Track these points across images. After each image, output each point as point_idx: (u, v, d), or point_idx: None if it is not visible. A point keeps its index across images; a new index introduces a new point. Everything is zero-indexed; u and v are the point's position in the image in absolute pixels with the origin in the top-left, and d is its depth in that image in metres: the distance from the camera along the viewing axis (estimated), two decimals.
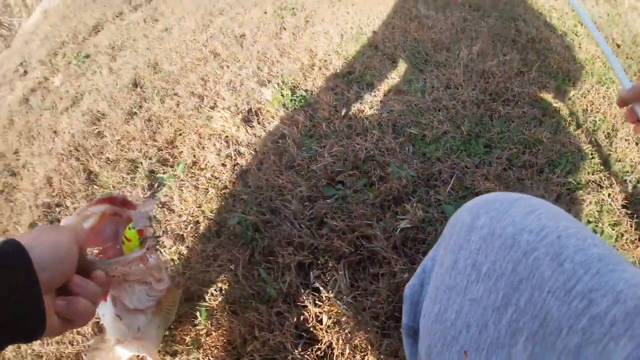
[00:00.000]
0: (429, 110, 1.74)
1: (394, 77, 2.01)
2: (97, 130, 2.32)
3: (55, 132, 2.62)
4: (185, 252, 1.50)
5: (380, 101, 1.86)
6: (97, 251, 0.86)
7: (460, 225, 0.49)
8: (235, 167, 1.70)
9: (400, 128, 1.68)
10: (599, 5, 2.58)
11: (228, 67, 2.38)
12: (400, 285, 1.22)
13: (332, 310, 1.22)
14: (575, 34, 2.27)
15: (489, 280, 0.41)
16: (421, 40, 2.22)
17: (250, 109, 1.97)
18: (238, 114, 1.92)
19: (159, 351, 1.25)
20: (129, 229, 0.76)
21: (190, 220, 1.59)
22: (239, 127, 1.85)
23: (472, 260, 0.44)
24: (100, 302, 0.79)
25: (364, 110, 1.83)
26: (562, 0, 2.59)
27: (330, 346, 1.17)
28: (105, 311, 0.95)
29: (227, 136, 1.86)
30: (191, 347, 1.28)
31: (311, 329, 1.22)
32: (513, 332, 0.37)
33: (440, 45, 2.19)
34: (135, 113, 2.29)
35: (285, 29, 2.71)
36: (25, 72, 4.31)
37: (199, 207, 1.61)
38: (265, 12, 3.01)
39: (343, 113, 1.81)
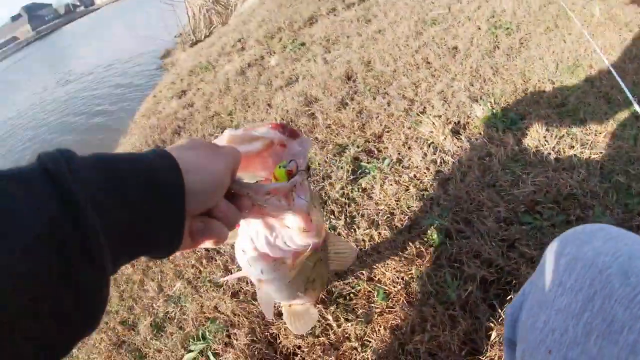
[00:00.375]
0: (638, 160, 1.67)
1: (608, 118, 1.95)
2: (309, 112, 2.62)
3: (269, 104, 3.01)
4: (376, 237, 1.67)
5: (591, 140, 1.83)
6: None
7: (552, 252, 0.60)
8: (438, 174, 1.82)
9: (607, 173, 1.65)
10: None
11: (439, 77, 2.51)
12: None
13: (502, 331, 1.28)
14: None
15: (571, 293, 0.52)
16: None
17: (459, 121, 2.07)
18: (448, 123, 2.04)
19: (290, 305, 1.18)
20: (279, 167, 0.64)
21: (387, 211, 1.75)
22: (446, 137, 1.97)
23: (558, 280, 0.55)
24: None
25: (573, 147, 1.82)
26: None
27: None
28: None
29: (433, 142, 1.99)
30: (362, 319, 1.43)
31: (478, 340, 1.29)
32: (587, 332, 0.48)
33: None
34: (347, 104, 2.53)
35: (498, 47, 2.75)
36: (243, 48, 4.91)
37: (397, 200, 1.76)
38: (479, 28, 3.07)
39: (552, 145, 1.82)
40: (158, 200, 0.40)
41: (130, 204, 0.37)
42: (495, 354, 1.25)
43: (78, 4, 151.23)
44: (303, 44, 4.01)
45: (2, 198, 0.29)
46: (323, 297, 1.55)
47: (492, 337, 1.29)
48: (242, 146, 0.60)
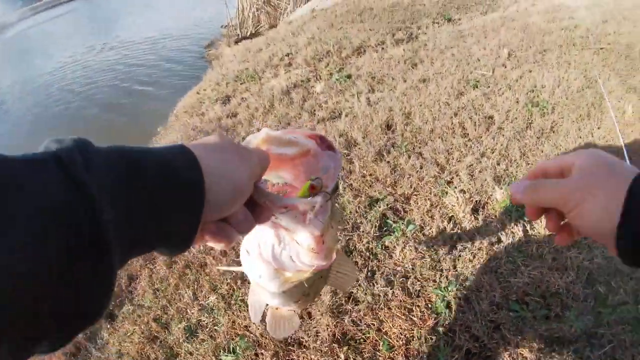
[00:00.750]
0: (621, 274, 1.94)
1: None
2: (348, 155, 2.91)
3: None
4: (390, 295, 1.96)
5: (588, 245, 2.10)
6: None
7: None
8: (452, 249, 2.11)
9: (592, 280, 1.93)
10: None
11: (472, 148, 2.79)
12: None
13: None
14: None
15: None
16: None
17: (480, 200, 2.35)
18: (470, 202, 2.32)
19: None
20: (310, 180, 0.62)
21: (403, 273, 2.05)
22: (465, 214, 2.25)
23: None
24: None
25: (570, 249, 2.10)
26: None
27: None
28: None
29: (453, 216, 2.27)
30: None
31: None
32: None
33: None
34: (384, 156, 2.83)
35: (531, 126, 3.02)
36: (290, 64, 5.21)
37: (413, 266, 2.06)
38: (517, 101, 3.33)
39: (553, 244, 2.10)
40: (175, 202, 0.40)
41: (147, 201, 0.38)
42: None
43: None
44: (349, 77, 4.29)
45: (15, 180, 0.30)
46: (338, 336, 1.85)
47: None
48: (276, 148, 0.60)
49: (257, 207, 0.54)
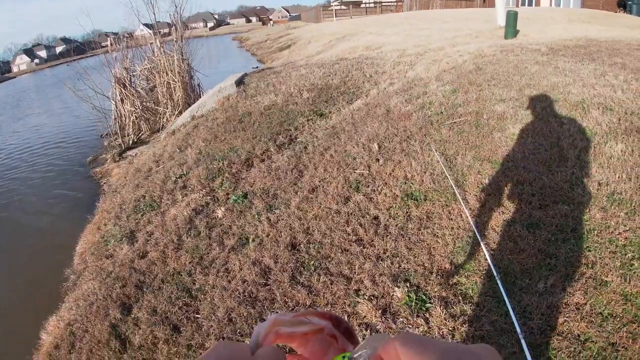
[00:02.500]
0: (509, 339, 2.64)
1: (488, 298, 2.96)
2: (266, 284, 3.43)
3: (227, 270, 3.78)
4: None
5: (476, 316, 2.81)
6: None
7: None
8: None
9: None
10: None
11: (368, 254, 3.45)
12: None
13: None
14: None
15: None
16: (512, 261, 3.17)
17: (386, 302, 2.98)
18: (378, 309, 2.94)
19: None
20: (343, 357, 0.53)
21: None
22: (377, 319, 2.86)
23: None
24: None
25: (464, 325, 2.78)
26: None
27: None
28: None
29: (368, 323, 2.87)
30: None
31: None
32: None
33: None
34: (297, 278, 3.39)
35: (410, 219, 3.77)
36: (185, 187, 5.69)
37: None
38: (395, 197, 4.10)
39: (451, 325, 2.77)
40: None
41: None
42: None
43: None
44: (246, 196, 4.87)
45: None
46: None
47: None
48: (285, 328, 0.54)
49: None
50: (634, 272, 2.85)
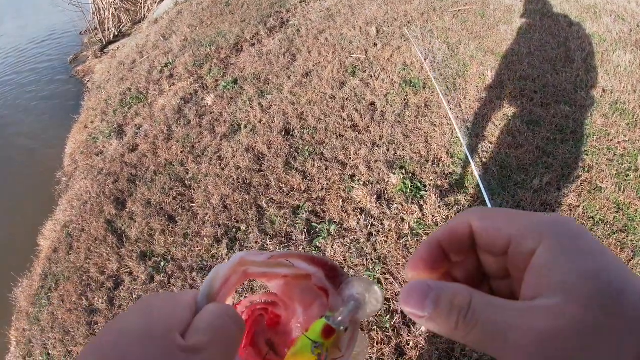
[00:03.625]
0: None
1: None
2: (260, 170, 3.45)
3: (219, 157, 3.78)
4: None
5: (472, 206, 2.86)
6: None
7: None
8: (369, 236, 2.76)
9: None
10: None
11: (363, 140, 3.44)
12: None
13: None
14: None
15: None
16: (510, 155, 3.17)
17: (380, 188, 3.02)
18: (373, 194, 2.97)
19: None
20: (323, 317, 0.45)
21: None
22: (372, 204, 2.90)
23: None
24: None
25: (459, 212, 2.84)
26: None
27: None
28: None
29: (363, 208, 2.92)
30: None
31: None
32: None
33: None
34: (291, 164, 3.40)
35: (408, 107, 3.72)
36: (172, 75, 5.55)
37: (344, 259, 2.68)
38: (393, 83, 4.02)
39: (445, 213, 2.82)
40: None
41: None
42: (414, 354, 2.22)
43: None
44: (236, 82, 4.76)
45: None
46: None
47: (410, 345, 2.25)
48: (259, 268, 0.47)
49: None
50: (629, 183, 2.85)
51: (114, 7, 9.20)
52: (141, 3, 9.60)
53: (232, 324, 0.39)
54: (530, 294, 0.32)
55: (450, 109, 3.60)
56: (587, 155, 3.09)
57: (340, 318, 0.44)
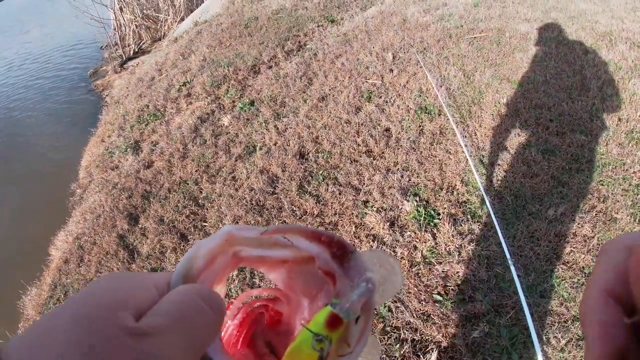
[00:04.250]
0: (515, 255, 2.70)
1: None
2: (274, 193, 3.48)
3: (234, 178, 3.82)
4: None
5: (484, 237, 2.86)
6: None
7: None
8: None
9: (491, 265, 2.68)
10: None
11: (378, 166, 3.46)
12: None
13: None
14: None
15: None
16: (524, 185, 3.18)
17: (394, 215, 3.03)
18: (386, 221, 2.98)
19: None
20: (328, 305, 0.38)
21: None
22: (385, 231, 2.91)
23: None
24: None
25: (471, 243, 2.84)
26: None
27: None
28: None
29: (375, 234, 2.93)
30: None
31: None
32: None
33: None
34: (305, 187, 3.42)
35: (423, 132, 3.75)
36: (189, 94, 5.63)
37: None
38: (408, 110, 4.06)
39: (458, 243, 2.82)
40: None
41: None
42: None
43: None
44: (252, 104, 4.83)
45: None
46: None
47: None
48: (251, 250, 0.42)
49: None
50: None
51: (135, 24, 9.39)
52: (162, 21, 9.79)
53: (203, 306, 0.32)
54: None
55: (465, 136, 3.63)
56: (602, 185, 3.09)
57: (348, 305, 0.37)
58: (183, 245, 3.36)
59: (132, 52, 9.20)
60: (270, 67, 5.59)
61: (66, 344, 0.25)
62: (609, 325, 0.33)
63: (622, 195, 2.99)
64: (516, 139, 3.57)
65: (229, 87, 5.36)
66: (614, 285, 0.33)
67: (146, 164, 4.55)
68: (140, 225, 3.73)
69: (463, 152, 3.47)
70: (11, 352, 0.26)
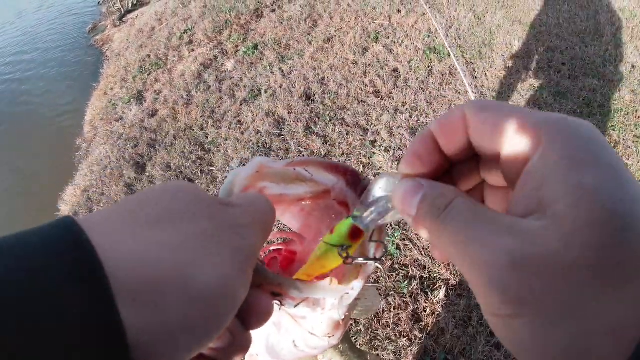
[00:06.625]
0: None
1: None
2: (280, 134, 3.45)
3: (239, 122, 3.79)
4: None
5: None
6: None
7: None
8: None
9: None
10: None
11: (385, 106, 3.41)
12: None
13: (434, 308, 2.26)
14: None
15: None
16: None
17: (402, 155, 2.99)
18: (394, 160, 2.96)
19: None
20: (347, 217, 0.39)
21: None
22: (392, 169, 2.89)
23: None
24: None
25: None
26: None
27: None
28: None
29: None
30: None
31: (420, 314, 2.27)
32: None
33: None
34: (312, 129, 3.39)
35: (432, 74, 3.68)
36: (191, 42, 5.53)
37: None
38: (417, 50, 3.97)
39: None
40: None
41: None
42: (430, 321, 2.23)
43: None
44: (256, 47, 4.74)
45: None
46: None
47: (427, 311, 2.27)
48: (276, 186, 0.43)
49: (255, 301, 0.33)
50: None
51: None
52: None
53: (267, 203, 0.36)
54: (520, 211, 0.26)
55: (476, 77, 3.56)
56: (613, 130, 3.05)
57: (370, 219, 0.37)
58: None
59: (130, 5, 8.98)
60: (274, 10, 5.45)
61: (169, 205, 0.29)
62: (425, 139, 0.34)
63: (632, 142, 2.96)
64: (527, 81, 3.51)
65: (232, 32, 5.26)
66: (435, 129, 0.34)
67: (150, 112, 4.51)
68: (147, 173, 3.73)
69: (473, 92, 3.41)
70: (98, 220, 0.27)
